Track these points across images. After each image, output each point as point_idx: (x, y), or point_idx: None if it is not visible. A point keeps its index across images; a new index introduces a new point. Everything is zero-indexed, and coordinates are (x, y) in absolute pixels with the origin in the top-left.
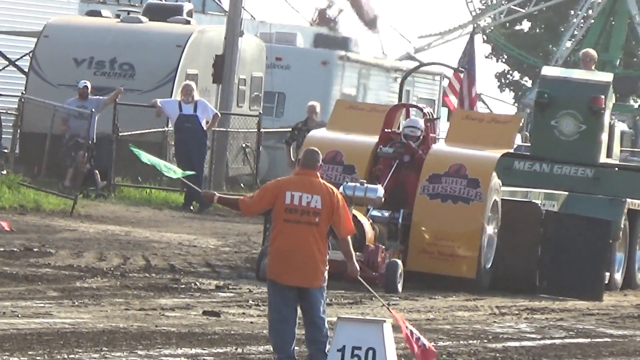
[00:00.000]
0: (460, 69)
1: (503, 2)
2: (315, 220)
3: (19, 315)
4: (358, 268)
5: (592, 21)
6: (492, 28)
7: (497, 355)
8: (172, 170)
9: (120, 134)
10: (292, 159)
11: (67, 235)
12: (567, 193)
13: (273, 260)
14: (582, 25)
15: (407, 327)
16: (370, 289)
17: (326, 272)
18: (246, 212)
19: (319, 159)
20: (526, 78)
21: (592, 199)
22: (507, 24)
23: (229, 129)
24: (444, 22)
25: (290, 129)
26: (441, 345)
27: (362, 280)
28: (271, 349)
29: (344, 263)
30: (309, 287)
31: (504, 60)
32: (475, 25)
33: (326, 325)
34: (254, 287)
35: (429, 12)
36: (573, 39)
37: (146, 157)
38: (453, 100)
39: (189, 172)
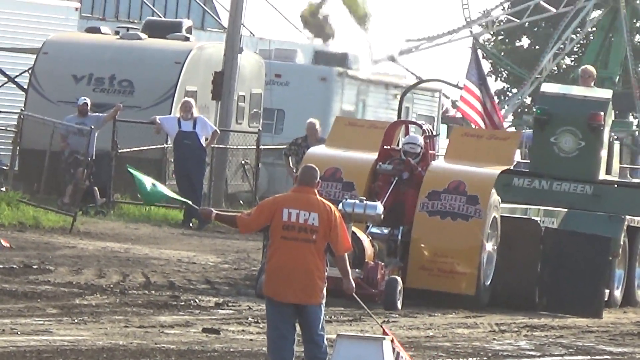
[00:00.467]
0: (459, 85)
1: (496, 10)
2: (313, 237)
3: (19, 333)
4: (354, 285)
5: (592, 36)
6: (485, 38)
7: None
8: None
9: (119, 151)
10: (292, 167)
11: (67, 252)
12: (566, 210)
13: (270, 277)
14: (572, 38)
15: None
16: (364, 306)
17: (325, 289)
18: (244, 230)
19: (317, 175)
20: (526, 95)
21: (591, 215)
22: (507, 39)
23: (228, 146)
24: (437, 27)
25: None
26: None
27: (357, 297)
28: None
29: (341, 280)
30: (307, 304)
31: (503, 78)
32: (471, 31)
33: (325, 342)
34: (253, 304)
35: (422, 16)
36: (560, 52)
37: (143, 183)
38: (473, 115)
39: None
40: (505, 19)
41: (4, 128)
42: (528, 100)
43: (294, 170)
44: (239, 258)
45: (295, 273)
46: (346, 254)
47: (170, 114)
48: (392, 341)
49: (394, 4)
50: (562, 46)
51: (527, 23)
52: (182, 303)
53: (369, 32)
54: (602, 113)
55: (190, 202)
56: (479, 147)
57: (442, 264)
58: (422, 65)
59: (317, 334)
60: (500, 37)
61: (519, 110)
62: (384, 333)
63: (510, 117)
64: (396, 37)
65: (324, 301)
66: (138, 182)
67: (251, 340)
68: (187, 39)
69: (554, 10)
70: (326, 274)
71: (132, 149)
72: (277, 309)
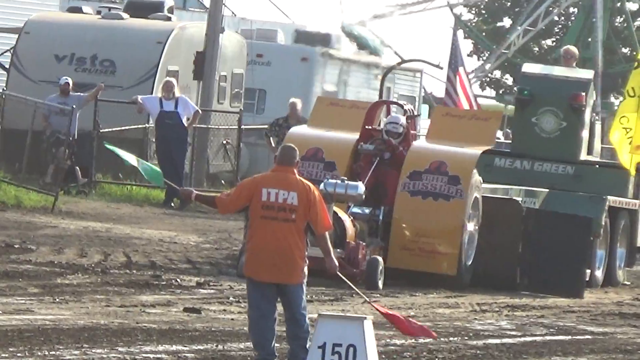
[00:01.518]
0: (440, 65)
1: None
2: (292, 216)
3: (0, 312)
4: (337, 264)
5: (573, 18)
6: (467, 19)
7: (478, 352)
8: (148, 168)
9: (101, 131)
10: (274, 146)
11: (48, 231)
12: (547, 190)
13: (250, 257)
14: (548, 14)
15: (393, 315)
16: (350, 284)
17: (306, 268)
18: (223, 210)
19: (296, 155)
20: (507, 76)
21: (572, 196)
22: (489, 19)
23: (209, 126)
24: None
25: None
26: (422, 342)
27: (341, 275)
28: (252, 346)
29: (324, 259)
30: (288, 284)
31: (485, 58)
32: (448, 1)
33: (307, 321)
34: (234, 283)
35: None
36: (530, 28)
37: (123, 154)
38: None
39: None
40: None
41: None
42: (494, 74)
43: (275, 147)
44: (221, 238)
45: (275, 253)
46: (327, 233)
47: (151, 93)
48: (383, 312)
49: None
50: (538, 23)
51: (509, 3)
52: (164, 282)
53: None
54: (583, 93)
55: (171, 183)
56: (461, 127)
57: (423, 244)
58: (398, 36)
59: (299, 313)
60: (481, 18)
61: (484, 82)
62: (376, 309)
63: (493, 93)
64: (370, 3)
65: (305, 280)
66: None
67: (232, 319)
68: (168, 18)
69: None
70: (307, 253)
71: (113, 129)
72: (258, 289)
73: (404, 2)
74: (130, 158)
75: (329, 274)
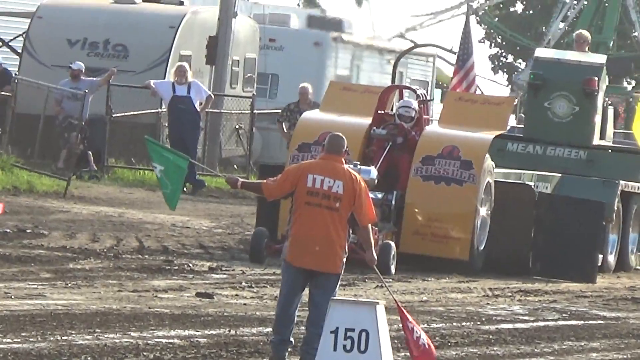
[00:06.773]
0: (453, 50)
1: None
2: (336, 205)
3: (12, 297)
4: (376, 258)
5: (585, 2)
6: (485, 9)
7: (490, 337)
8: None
9: (113, 115)
10: (286, 132)
11: (60, 216)
12: (560, 175)
13: (292, 243)
14: (574, 6)
15: (409, 327)
16: (383, 282)
17: (345, 259)
18: (269, 196)
19: (344, 144)
20: (520, 60)
21: (585, 180)
22: (501, 5)
23: (222, 110)
24: (437, 2)
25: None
26: (434, 327)
27: (377, 271)
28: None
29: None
30: (325, 272)
31: (497, 43)
32: (468, 6)
33: None
34: (247, 268)
35: None
36: (565, 21)
37: (158, 158)
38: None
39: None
40: None
41: None
42: (508, 58)
43: (289, 135)
44: (233, 223)
45: (316, 240)
46: (370, 226)
47: (164, 78)
48: (406, 319)
49: None
50: (567, 14)
51: None
52: (176, 267)
53: (371, 11)
54: (596, 78)
55: (216, 172)
56: (473, 112)
57: (436, 228)
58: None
59: (327, 303)
60: (494, 3)
61: (497, 67)
62: (400, 311)
63: (505, 80)
64: (399, 14)
65: (342, 271)
66: (161, 180)
67: (245, 304)
68: (181, 3)
69: None
70: (347, 244)
71: (126, 114)
72: (293, 275)
73: (434, 11)
74: (162, 160)
75: (368, 265)
